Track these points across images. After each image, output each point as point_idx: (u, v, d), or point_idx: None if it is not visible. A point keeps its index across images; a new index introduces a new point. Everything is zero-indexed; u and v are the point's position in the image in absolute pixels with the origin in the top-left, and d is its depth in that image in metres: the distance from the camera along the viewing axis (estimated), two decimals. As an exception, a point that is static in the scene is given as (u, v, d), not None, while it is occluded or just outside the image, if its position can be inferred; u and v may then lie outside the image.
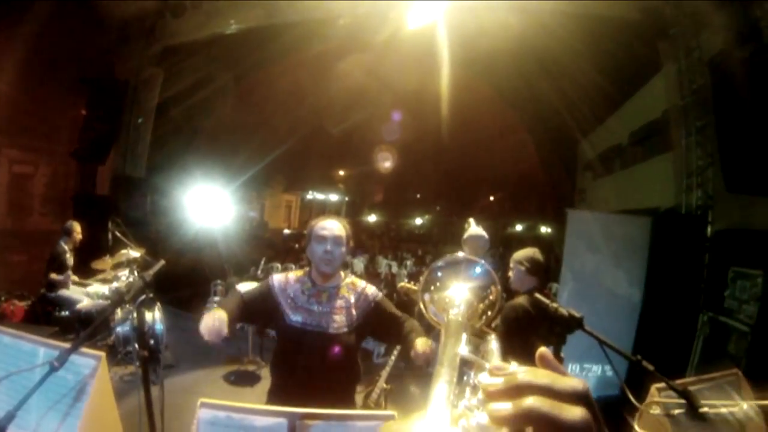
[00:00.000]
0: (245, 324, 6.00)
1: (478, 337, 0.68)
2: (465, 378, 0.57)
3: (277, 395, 2.44)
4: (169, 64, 9.07)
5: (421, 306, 0.79)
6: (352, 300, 2.50)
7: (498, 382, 0.48)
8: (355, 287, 2.56)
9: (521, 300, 3.12)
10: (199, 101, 10.22)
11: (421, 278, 0.80)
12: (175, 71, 9.18)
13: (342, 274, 2.58)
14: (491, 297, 0.76)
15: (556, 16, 7.52)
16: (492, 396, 0.47)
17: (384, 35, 8.85)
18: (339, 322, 2.42)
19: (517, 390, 0.46)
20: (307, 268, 2.61)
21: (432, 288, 0.78)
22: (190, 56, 9.21)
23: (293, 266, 12.66)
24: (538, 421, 0.43)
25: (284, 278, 2.56)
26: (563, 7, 7.23)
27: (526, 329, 2.91)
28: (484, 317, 0.76)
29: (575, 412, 0.43)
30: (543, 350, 0.53)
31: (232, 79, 11.52)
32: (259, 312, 2.48)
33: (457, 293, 0.75)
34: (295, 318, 2.41)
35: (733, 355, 5.42)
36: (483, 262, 0.79)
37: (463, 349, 0.59)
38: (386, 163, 23.94)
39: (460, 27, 8.31)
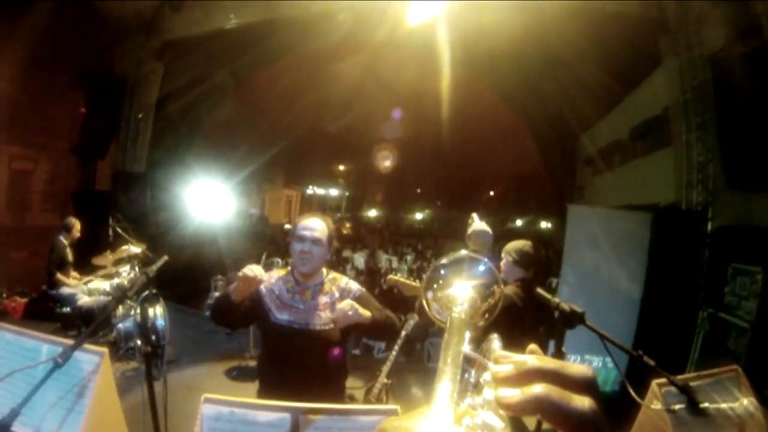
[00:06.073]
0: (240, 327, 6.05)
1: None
2: (467, 376, 0.57)
3: (266, 394, 2.43)
4: (169, 59, 9.04)
5: (424, 304, 0.79)
6: (336, 295, 2.51)
7: (507, 368, 0.48)
8: (338, 283, 2.57)
9: (508, 290, 3.11)
10: (199, 96, 10.21)
11: (424, 276, 0.80)
12: (175, 66, 9.16)
13: (324, 271, 2.59)
14: (494, 296, 0.76)
15: (557, 11, 7.50)
16: (501, 382, 0.47)
17: (384, 33, 8.85)
18: (324, 318, 2.43)
19: (526, 376, 0.46)
20: (290, 267, 2.63)
21: (435, 286, 0.78)
22: (190, 52, 9.19)
23: (295, 261, 12.66)
24: (547, 410, 0.43)
25: (268, 277, 2.55)
26: (565, 2, 7.21)
27: (511, 320, 2.89)
28: (486, 316, 0.76)
29: (584, 402, 0.43)
30: (533, 347, 0.54)
31: (231, 75, 11.50)
32: (246, 310, 2.45)
33: (461, 291, 0.75)
34: (282, 316, 2.42)
35: (733, 351, 5.43)
36: (486, 260, 0.79)
37: (467, 347, 0.59)
38: (387, 160, 23.95)
39: (460, 23, 8.30)
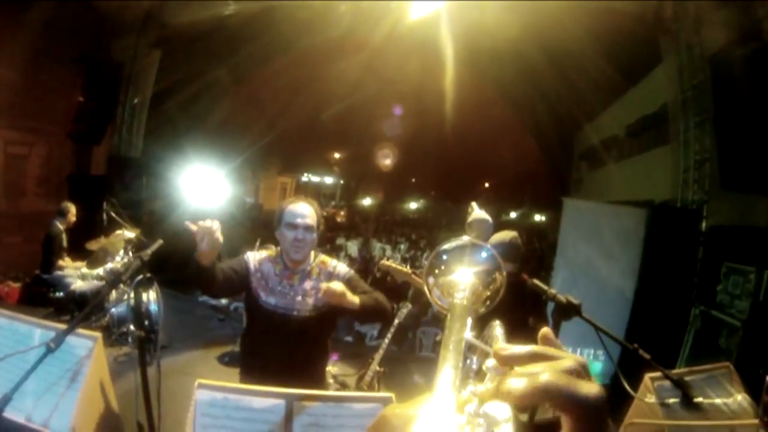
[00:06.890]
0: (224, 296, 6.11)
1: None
2: (469, 363, 0.56)
3: (250, 375, 2.44)
4: (167, 45, 8.96)
5: (426, 289, 0.78)
6: (323, 280, 2.48)
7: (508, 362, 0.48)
8: (326, 266, 2.56)
9: None
10: (197, 83, 10.14)
11: (426, 261, 0.79)
12: (173, 53, 9.08)
13: (312, 254, 2.56)
14: (496, 283, 0.76)
15: (557, 8, 7.47)
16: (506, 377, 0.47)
17: (385, 27, 8.81)
18: (310, 303, 2.43)
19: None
20: (279, 249, 2.60)
21: (437, 272, 0.77)
22: (189, 38, 9.11)
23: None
24: (556, 397, 0.43)
25: (258, 257, 2.54)
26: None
27: (496, 313, 2.88)
28: (487, 303, 0.75)
29: (592, 387, 0.43)
30: (546, 330, 0.53)
31: (231, 69, 11.43)
32: (229, 282, 2.40)
33: (462, 277, 0.74)
34: (269, 300, 2.42)
35: (724, 349, 5.46)
36: (489, 246, 0.78)
37: (469, 333, 0.58)
38: (387, 158, 23.95)
39: (460, 18, 8.27)
